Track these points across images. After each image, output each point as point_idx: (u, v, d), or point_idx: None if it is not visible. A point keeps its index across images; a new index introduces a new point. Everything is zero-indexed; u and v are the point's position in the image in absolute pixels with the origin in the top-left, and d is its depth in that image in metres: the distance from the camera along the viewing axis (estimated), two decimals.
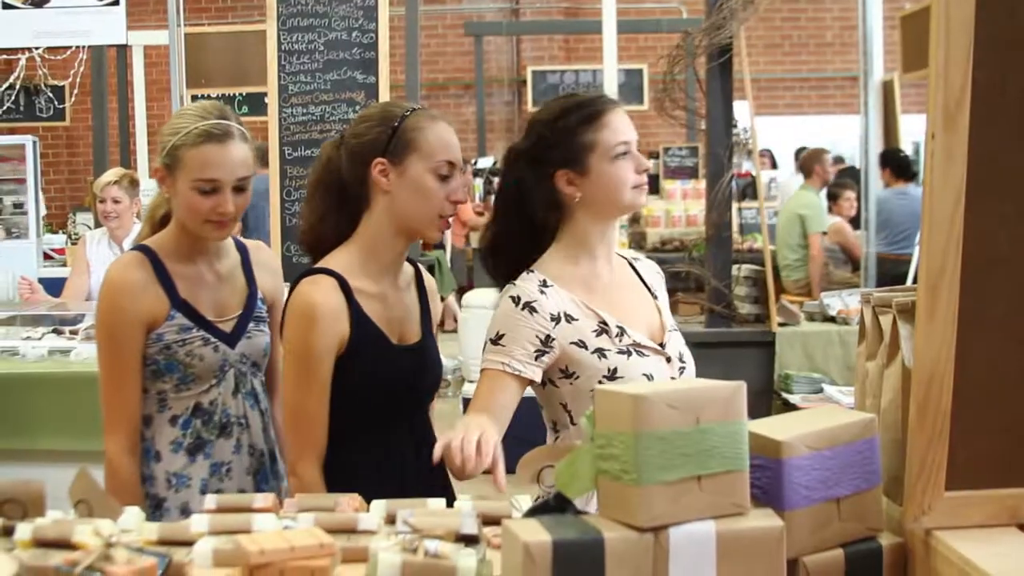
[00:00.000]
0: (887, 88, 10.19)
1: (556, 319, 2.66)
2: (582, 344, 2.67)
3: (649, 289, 2.91)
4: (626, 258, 2.96)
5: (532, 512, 1.80)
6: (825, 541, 1.84)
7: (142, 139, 11.60)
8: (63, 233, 12.18)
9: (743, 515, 1.76)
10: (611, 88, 9.66)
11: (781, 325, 6.17)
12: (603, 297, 2.77)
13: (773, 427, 1.85)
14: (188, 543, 2.13)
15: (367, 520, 2.10)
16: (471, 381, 7.34)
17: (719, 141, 6.20)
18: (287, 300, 2.67)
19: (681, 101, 6.13)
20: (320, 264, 2.65)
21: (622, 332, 2.72)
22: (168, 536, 2.16)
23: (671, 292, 3.40)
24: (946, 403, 1.76)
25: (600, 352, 2.68)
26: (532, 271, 2.72)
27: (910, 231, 8.99)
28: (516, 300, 2.65)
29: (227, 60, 8.56)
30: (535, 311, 2.64)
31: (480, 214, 12.48)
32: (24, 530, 2.17)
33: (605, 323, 2.71)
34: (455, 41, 15.74)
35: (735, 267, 6.37)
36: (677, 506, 1.70)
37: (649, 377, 2.67)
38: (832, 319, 6.32)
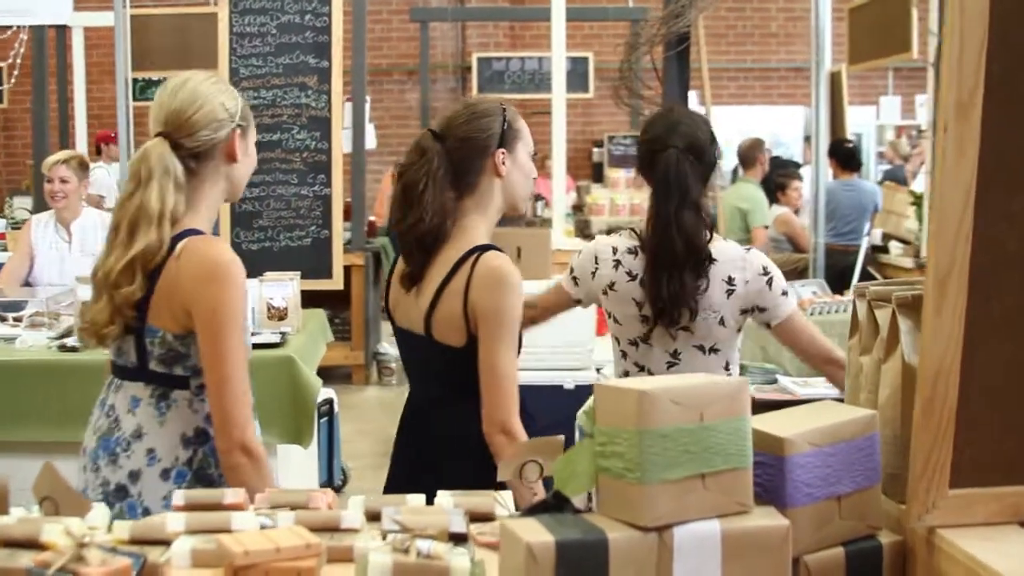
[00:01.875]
0: (834, 79, 10.23)
1: None
2: None
3: None
4: None
5: (530, 511, 1.75)
6: (826, 539, 1.80)
7: (81, 122, 11.40)
8: (1, 217, 11.93)
9: (747, 514, 1.72)
10: (559, 76, 9.63)
11: None
12: None
13: (775, 423, 1.81)
14: (163, 542, 2.06)
15: (350, 518, 2.04)
16: None
17: None
18: (477, 273, 2.81)
19: (638, 89, 6.08)
20: (471, 242, 2.87)
21: None
22: (141, 535, 2.08)
23: None
24: (952, 400, 1.73)
25: None
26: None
27: (857, 222, 9.03)
28: None
29: (172, 42, 8.40)
30: None
31: None
32: None
33: None
34: (400, 27, 15.59)
35: None
36: (681, 505, 1.66)
37: None
38: None
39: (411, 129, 15.26)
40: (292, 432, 4.79)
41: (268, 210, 6.16)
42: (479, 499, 2.19)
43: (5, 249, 8.78)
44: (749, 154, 9.49)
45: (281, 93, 6.13)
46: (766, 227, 9.08)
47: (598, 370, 6.97)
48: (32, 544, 2.05)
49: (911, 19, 8.00)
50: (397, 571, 1.74)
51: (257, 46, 6.13)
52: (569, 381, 7.00)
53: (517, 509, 2.23)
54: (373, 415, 8.38)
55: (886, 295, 1.96)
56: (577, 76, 13.93)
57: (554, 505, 1.73)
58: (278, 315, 5.12)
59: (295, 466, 5.07)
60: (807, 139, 11.37)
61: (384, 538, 1.93)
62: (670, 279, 3.16)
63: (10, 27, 9.61)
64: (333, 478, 6.38)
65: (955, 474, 1.77)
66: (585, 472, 1.72)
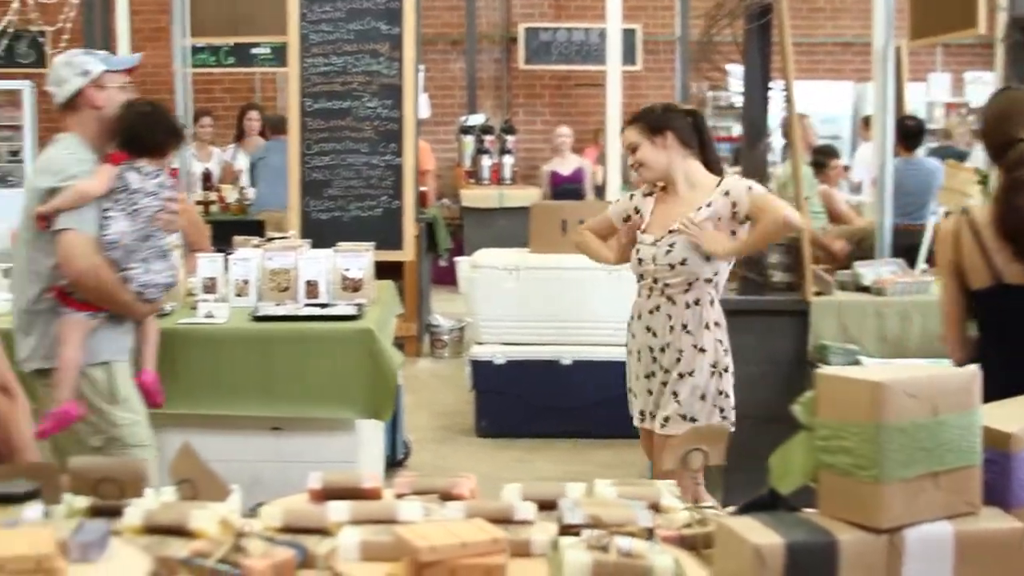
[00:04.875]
0: (895, 55, 10.03)
1: None
2: None
3: None
4: None
5: (744, 508, 1.63)
6: None
7: None
8: None
9: (975, 515, 1.60)
10: (615, 48, 9.45)
11: (816, 294, 5.98)
12: None
13: (995, 415, 1.69)
14: (319, 531, 1.96)
15: (524, 509, 1.92)
16: (479, 343, 7.11)
17: (756, 105, 6.02)
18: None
19: (719, 63, 5.93)
20: None
21: None
22: (295, 523, 1.97)
23: None
24: None
25: None
26: None
27: (922, 201, 8.84)
28: None
29: (228, 8, 8.25)
30: None
31: (471, 175, 12.26)
32: (133, 515, 1.99)
33: None
34: None
35: None
36: (915, 505, 1.54)
37: None
38: (865, 289, 6.15)
39: (457, 100, 15.06)
40: (372, 407, 4.72)
41: (338, 179, 6.03)
42: (646, 489, 2.07)
43: None
44: None
45: (352, 60, 5.98)
46: (807, 198, 8.91)
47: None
48: (179, 531, 1.95)
49: None
50: (597, 570, 1.62)
51: (328, 11, 5.98)
52: (566, 357, 6.85)
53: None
54: (428, 388, 8.30)
55: None
56: (625, 49, 13.71)
57: (769, 502, 1.61)
58: (352, 286, 5.01)
59: (362, 440, 4.97)
60: (866, 118, 11.11)
61: (563, 532, 1.82)
62: None
63: None
64: (396, 451, 6.30)
65: None
66: (801, 468, 1.61)
